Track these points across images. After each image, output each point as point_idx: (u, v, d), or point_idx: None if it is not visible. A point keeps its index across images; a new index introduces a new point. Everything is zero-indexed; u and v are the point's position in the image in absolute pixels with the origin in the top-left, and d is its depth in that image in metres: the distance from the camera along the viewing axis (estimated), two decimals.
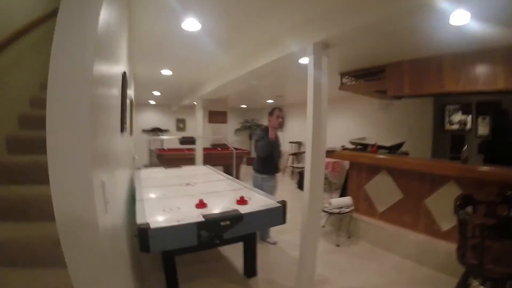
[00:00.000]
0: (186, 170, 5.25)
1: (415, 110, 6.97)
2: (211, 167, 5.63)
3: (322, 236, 4.67)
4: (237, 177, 9.63)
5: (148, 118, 12.80)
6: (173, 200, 3.05)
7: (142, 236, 2.07)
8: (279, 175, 4.68)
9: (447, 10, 2.04)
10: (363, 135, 6.80)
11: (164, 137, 11.90)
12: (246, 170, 12.09)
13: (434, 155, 6.51)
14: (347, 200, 4.62)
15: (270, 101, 11.59)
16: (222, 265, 3.67)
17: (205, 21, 3.22)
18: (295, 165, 10.46)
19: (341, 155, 5.27)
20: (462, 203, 2.55)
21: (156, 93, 9.46)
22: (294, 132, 11.91)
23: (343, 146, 5.95)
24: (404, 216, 4.27)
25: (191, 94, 8.71)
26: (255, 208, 2.60)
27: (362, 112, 8.69)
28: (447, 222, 3.67)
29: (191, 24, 3.23)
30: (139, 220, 2.25)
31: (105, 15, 1.33)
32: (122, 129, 2.47)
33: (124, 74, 2.49)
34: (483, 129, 6.07)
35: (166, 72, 5.93)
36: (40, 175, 2.01)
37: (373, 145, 5.08)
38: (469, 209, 2.73)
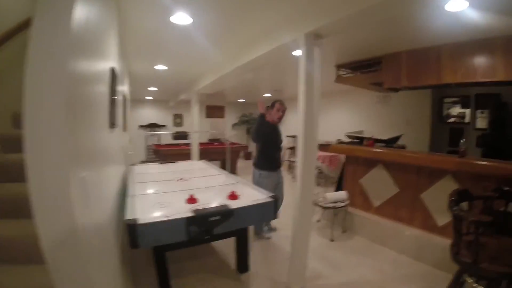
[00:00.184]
0: (181, 165, 5.24)
1: (413, 103, 6.96)
2: (206, 162, 5.62)
3: (316, 230, 4.67)
4: (233, 171, 9.67)
5: (146, 114, 12.79)
6: (165, 195, 3.05)
7: (131, 232, 2.06)
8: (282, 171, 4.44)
9: None
10: (360, 128, 6.82)
11: (158, 132, 11.89)
12: (244, 164, 12.12)
13: (432, 149, 6.49)
14: (342, 194, 4.61)
15: (267, 95, 11.55)
16: (214, 260, 3.67)
17: (196, 15, 3.20)
18: (292, 159, 10.45)
19: (336, 149, 5.25)
20: (457, 198, 2.46)
21: (153, 88, 9.44)
22: (292, 126, 11.90)
23: (338, 139, 5.94)
24: (400, 210, 4.24)
25: (187, 89, 8.70)
26: (246, 203, 2.59)
27: (360, 105, 8.68)
28: (443, 217, 3.63)
29: (181, 18, 3.21)
30: (128, 215, 2.24)
31: (82, 11, 1.32)
32: (112, 125, 2.46)
33: (113, 70, 2.47)
34: (481, 122, 6.05)
35: (161, 67, 5.90)
36: None
37: (369, 139, 5.07)
38: (465, 204, 2.65)
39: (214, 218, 2.29)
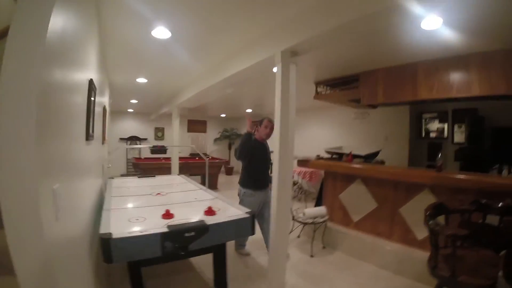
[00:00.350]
0: (159, 179, 5.18)
1: (392, 118, 7.12)
2: (185, 176, 5.57)
3: (296, 246, 4.66)
4: (215, 187, 9.62)
5: (127, 127, 12.65)
6: (141, 210, 3.00)
7: (104, 246, 2.01)
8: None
9: (418, 15, 2.08)
10: (340, 144, 6.88)
11: (136, 146, 11.76)
12: (225, 179, 12.07)
13: (411, 163, 6.63)
14: (321, 210, 4.62)
15: (249, 110, 11.62)
16: (192, 276, 3.61)
17: (175, 29, 3.24)
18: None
19: (314, 165, 5.29)
20: (433, 212, 2.49)
21: (134, 101, 9.36)
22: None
23: (318, 155, 5.99)
24: (379, 225, 4.29)
25: (168, 103, 8.68)
26: (222, 219, 2.56)
27: (339, 121, 8.82)
28: (422, 231, 3.67)
29: (161, 32, 3.24)
30: (102, 230, 2.19)
31: (59, 22, 1.32)
32: (88, 137, 2.43)
33: (91, 81, 2.45)
34: (459, 136, 6.23)
35: (141, 80, 5.89)
36: None
37: (348, 154, 5.13)
38: (442, 218, 2.69)
39: (189, 234, 2.26)
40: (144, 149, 12.13)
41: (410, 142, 6.94)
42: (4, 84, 1.05)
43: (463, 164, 5.73)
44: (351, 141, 7.95)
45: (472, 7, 2.53)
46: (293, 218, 4.52)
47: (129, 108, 11.62)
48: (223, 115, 14.34)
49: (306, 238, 4.89)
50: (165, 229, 2.21)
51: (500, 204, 2.63)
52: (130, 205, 3.24)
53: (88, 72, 2.43)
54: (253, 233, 2.73)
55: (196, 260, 3.89)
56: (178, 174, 6.17)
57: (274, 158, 3.13)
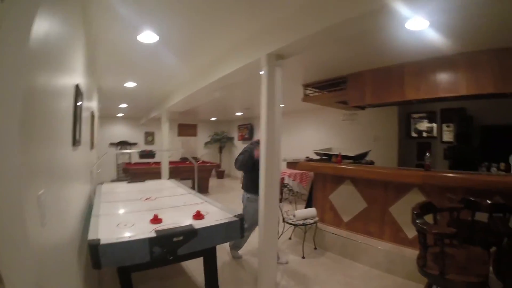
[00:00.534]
0: (149, 184, 5.16)
1: (380, 119, 7.18)
2: (175, 181, 5.55)
3: (288, 248, 4.67)
4: (205, 190, 9.60)
5: (116, 131, 12.55)
6: (130, 215, 2.99)
7: (93, 252, 2.01)
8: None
9: (404, 17, 2.10)
10: (329, 145, 6.93)
11: (125, 151, 11.68)
12: (216, 183, 12.05)
13: (401, 163, 6.68)
14: (312, 211, 4.64)
15: (239, 113, 11.64)
16: (183, 281, 3.60)
17: (162, 33, 3.25)
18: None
19: (303, 166, 5.31)
20: (420, 211, 2.50)
21: (123, 105, 9.30)
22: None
23: (307, 157, 6.02)
24: (369, 225, 4.33)
25: (158, 107, 8.65)
26: (211, 223, 2.56)
27: (328, 123, 8.87)
28: (413, 230, 3.65)
29: (148, 36, 3.24)
30: (90, 235, 2.18)
31: (43, 27, 1.31)
32: (75, 142, 2.41)
33: (77, 86, 2.44)
34: (448, 135, 6.31)
35: (130, 84, 5.86)
36: None
37: (337, 155, 5.16)
38: (431, 216, 2.70)
39: (177, 239, 2.26)
40: (134, 154, 12.05)
41: (399, 142, 7.00)
42: None
43: (452, 162, 5.82)
44: (340, 143, 8.01)
45: (458, 9, 2.56)
46: (284, 220, 4.53)
47: (119, 113, 11.53)
48: (213, 119, 14.33)
49: (298, 240, 4.90)
50: (153, 234, 2.21)
51: (488, 202, 2.66)
52: (118, 211, 3.22)
53: (75, 76, 2.41)
54: (242, 236, 2.74)
55: (187, 265, 3.88)
56: (168, 179, 6.15)
57: (261, 160, 3.14)
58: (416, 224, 2.37)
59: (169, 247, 2.22)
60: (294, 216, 4.49)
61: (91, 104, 4.20)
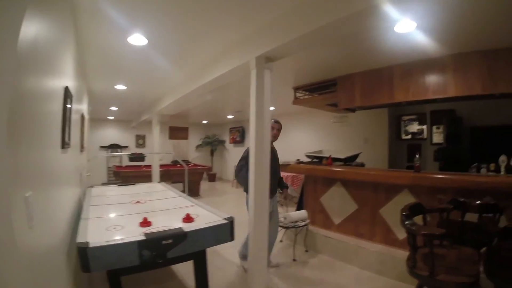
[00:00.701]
0: (139, 187, 5.13)
1: (371, 121, 7.24)
2: (165, 184, 5.53)
3: (279, 250, 4.66)
4: (195, 194, 9.57)
5: (107, 134, 12.48)
6: (119, 218, 2.97)
7: (82, 255, 1.99)
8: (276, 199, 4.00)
9: (392, 19, 2.12)
10: (320, 148, 6.98)
11: (115, 154, 11.60)
12: (208, 186, 12.02)
13: (391, 165, 6.75)
14: (302, 213, 4.65)
15: (230, 116, 11.64)
16: (174, 284, 3.58)
17: (151, 36, 3.25)
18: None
19: (294, 169, 5.33)
20: (409, 212, 2.50)
21: (114, 108, 9.26)
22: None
23: (298, 159, 6.05)
24: (360, 227, 4.34)
25: (149, 110, 8.63)
26: (201, 226, 2.55)
27: (319, 126, 8.92)
28: (403, 231, 3.67)
29: (137, 39, 3.25)
30: (80, 239, 2.17)
31: (32, 29, 1.31)
32: (64, 145, 2.40)
33: (66, 89, 2.43)
34: (438, 137, 6.40)
35: (120, 86, 5.84)
36: None
37: (328, 158, 5.19)
38: (421, 217, 2.72)
39: (166, 242, 2.25)
40: (125, 157, 11.97)
41: (390, 144, 7.07)
42: None
43: (442, 164, 5.88)
44: (331, 145, 8.06)
45: (445, 11, 2.60)
46: None
47: (110, 116, 11.48)
48: (204, 122, 14.31)
49: (289, 242, 4.90)
50: (142, 237, 2.20)
51: (478, 202, 2.67)
52: (108, 214, 3.20)
53: (64, 79, 2.40)
54: (232, 239, 2.73)
55: (178, 269, 3.86)
56: (158, 182, 6.12)
57: (250, 163, 3.15)
58: (405, 225, 2.38)
59: (158, 250, 2.21)
60: (285, 218, 4.49)
61: (81, 107, 4.17)
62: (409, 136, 6.94)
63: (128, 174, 8.82)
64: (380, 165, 6.53)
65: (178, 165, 10.28)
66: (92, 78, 5.17)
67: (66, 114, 2.38)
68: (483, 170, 3.95)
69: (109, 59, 4.12)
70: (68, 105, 2.48)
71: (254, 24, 2.95)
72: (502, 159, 3.63)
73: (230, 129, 13.85)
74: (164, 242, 2.23)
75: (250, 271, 3.12)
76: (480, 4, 2.51)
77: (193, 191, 9.59)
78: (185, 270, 3.67)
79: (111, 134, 12.63)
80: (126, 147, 12.78)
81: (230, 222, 2.71)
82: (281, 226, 4.52)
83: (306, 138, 9.25)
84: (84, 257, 1.98)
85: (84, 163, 5.02)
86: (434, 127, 6.49)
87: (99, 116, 11.15)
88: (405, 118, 7.00)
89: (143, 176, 8.31)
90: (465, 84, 3.66)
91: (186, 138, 14.14)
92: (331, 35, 2.52)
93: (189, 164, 11.10)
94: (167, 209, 3.40)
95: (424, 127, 6.69)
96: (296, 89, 5.79)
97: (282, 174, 7.73)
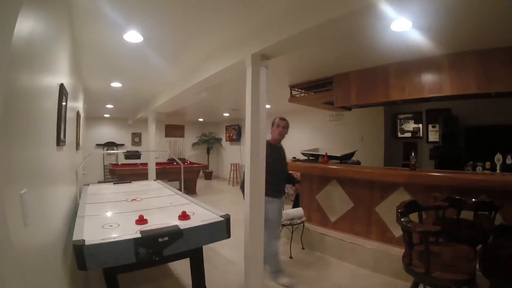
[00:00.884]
0: (135, 185, 5.12)
1: (367, 119, 7.25)
2: (161, 182, 5.52)
3: None
4: (192, 192, 9.57)
5: (103, 132, 12.42)
6: (115, 216, 2.97)
7: (78, 253, 1.98)
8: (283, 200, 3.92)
9: (388, 18, 2.11)
10: (316, 146, 6.96)
11: (110, 151, 11.56)
12: (204, 184, 12.01)
13: (387, 163, 6.74)
14: (298, 211, 4.65)
15: (226, 114, 11.62)
16: (171, 283, 3.58)
17: (146, 34, 3.23)
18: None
19: (290, 166, 5.31)
20: (404, 210, 2.49)
21: (110, 106, 9.21)
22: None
23: (294, 157, 6.04)
24: (356, 224, 4.36)
25: (145, 107, 8.59)
26: (196, 223, 2.55)
27: (315, 124, 8.94)
28: (399, 228, 3.67)
29: (133, 36, 3.23)
30: (75, 236, 2.16)
31: (26, 25, 1.30)
32: (59, 142, 2.38)
33: (61, 86, 2.41)
34: (433, 135, 6.43)
35: (116, 84, 5.80)
36: None
37: (323, 156, 5.19)
38: (416, 215, 2.71)
39: (162, 239, 2.24)
40: (121, 155, 11.94)
41: (386, 142, 7.08)
42: None
43: (438, 162, 5.91)
44: (327, 143, 8.06)
45: (441, 11, 2.61)
46: None
47: (105, 113, 11.41)
48: (201, 120, 14.28)
49: (285, 240, 4.90)
50: (138, 235, 2.19)
51: (473, 200, 2.69)
52: (104, 212, 3.19)
53: (59, 76, 2.38)
54: (228, 236, 2.73)
55: (174, 267, 3.86)
56: (154, 180, 6.11)
57: (245, 161, 3.14)
58: (400, 223, 2.38)
59: (154, 248, 2.21)
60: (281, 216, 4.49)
61: (76, 104, 4.15)
62: (406, 135, 6.96)
63: (124, 172, 8.81)
64: (376, 163, 6.54)
65: (175, 163, 10.26)
66: (87, 75, 5.14)
67: (61, 111, 2.36)
68: (479, 169, 3.97)
69: (104, 56, 4.09)
70: (63, 103, 2.47)
71: (250, 22, 2.94)
72: (498, 157, 3.66)
73: (227, 127, 13.83)
74: (160, 239, 2.23)
75: (246, 270, 3.11)
76: (475, 4, 2.51)
77: (189, 189, 9.59)
78: (182, 268, 3.68)
79: (107, 132, 12.57)
80: (122, 145, 12.73)
81: (226, 219, 2.71)
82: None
83: (302, 136, 9.25)
84: (80, 255, 1.98)
85: (80, 161, 5.00)
86: (430, 126, 6.52)
87: (95, 114, 11.09)
88: (401, 116, 7.03)
89: (139, 174, 8.31)
90: (461, 83, 3.66)
91: (182, 136, 14.13)
92: (327, 33, 2.52)
93: (185, 162, 11.09)
94: (163, 207, 3.40)
95: (420, 125, 6.71)
96: (292, 87, 5.78)
97: None
